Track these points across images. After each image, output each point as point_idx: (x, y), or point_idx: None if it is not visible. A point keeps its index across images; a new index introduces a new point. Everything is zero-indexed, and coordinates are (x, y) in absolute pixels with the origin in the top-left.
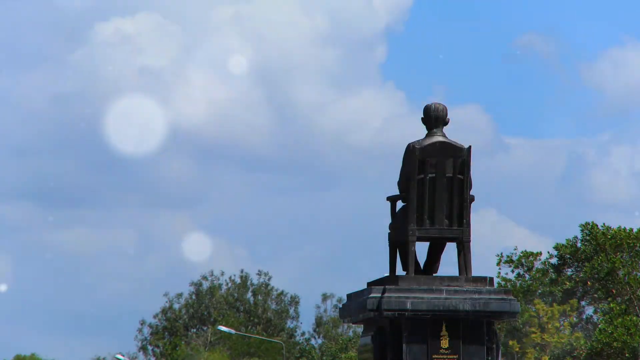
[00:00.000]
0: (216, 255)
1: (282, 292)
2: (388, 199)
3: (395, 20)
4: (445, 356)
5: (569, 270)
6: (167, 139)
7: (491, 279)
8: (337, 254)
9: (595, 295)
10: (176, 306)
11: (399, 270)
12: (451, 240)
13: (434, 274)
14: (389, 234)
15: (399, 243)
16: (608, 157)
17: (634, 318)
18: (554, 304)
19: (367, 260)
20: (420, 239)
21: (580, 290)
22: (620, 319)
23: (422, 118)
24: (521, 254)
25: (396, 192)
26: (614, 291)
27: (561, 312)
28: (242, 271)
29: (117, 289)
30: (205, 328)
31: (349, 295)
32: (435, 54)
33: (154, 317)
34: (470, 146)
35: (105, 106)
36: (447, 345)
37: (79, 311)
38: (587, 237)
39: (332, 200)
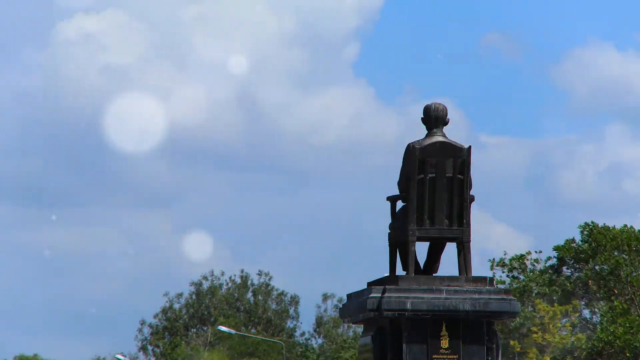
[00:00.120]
0: (215, 255)
1: (282, 292)
2: (388, 199)
3: (365, 20)
4: (445, 356)
5: (568, 271)
6: (140, 140)
7: (491, 279)
8: (337, 254)
9: (597, 295)
10: (176, 306)
11: (399, 270)
12: (451, 240)
13: (434, 274)
14: (389, 234)
15: (399, 243)
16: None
17: (636, 317)
18: (555, 304)
19: (367, 260)
20: (420, 239)
21: (581, 290)
22: (622, 318)
23: (422, 118)
24: (513, 258)
25: (396, 192)
26: (615, 291)
27: (563, 313)
28: (242, 271)
29: (117, 289)
30: (205, 328)
31: (349, 295)
32: (406, 53)
33: (154, 317)
34: (470, 146)
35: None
36: (447, 345)
37: (79, 311)
38: (587, 238)
39: (333, 200)
